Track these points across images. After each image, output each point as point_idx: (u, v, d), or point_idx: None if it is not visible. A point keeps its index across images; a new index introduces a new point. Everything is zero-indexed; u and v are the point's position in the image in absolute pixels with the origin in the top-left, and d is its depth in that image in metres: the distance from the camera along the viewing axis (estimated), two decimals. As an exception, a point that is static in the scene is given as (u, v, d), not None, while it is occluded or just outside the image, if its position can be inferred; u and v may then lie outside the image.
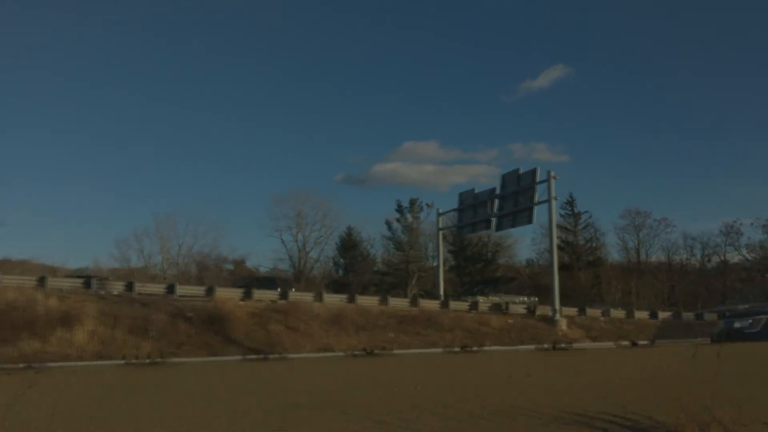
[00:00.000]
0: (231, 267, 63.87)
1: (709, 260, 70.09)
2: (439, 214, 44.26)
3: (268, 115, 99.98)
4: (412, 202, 50.46)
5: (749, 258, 67.81)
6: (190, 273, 62.89)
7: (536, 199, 34.16)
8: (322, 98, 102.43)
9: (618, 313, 35.61)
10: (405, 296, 48.53)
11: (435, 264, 61.00)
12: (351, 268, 52.61)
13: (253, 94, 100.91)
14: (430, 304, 31.58)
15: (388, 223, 51.48)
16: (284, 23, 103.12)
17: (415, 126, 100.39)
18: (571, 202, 59.24)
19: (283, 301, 27.63)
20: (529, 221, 35.23)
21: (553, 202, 32.90)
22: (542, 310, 32.83)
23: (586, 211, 59.32)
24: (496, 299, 38.51)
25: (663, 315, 36.39)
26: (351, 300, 29.62)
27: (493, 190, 38.85)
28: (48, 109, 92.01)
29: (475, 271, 58.98)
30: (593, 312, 34.97)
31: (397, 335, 27.26)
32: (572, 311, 34.54)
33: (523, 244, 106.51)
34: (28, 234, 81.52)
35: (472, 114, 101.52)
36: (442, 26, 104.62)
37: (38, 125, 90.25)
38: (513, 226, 37.82)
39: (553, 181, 33.03)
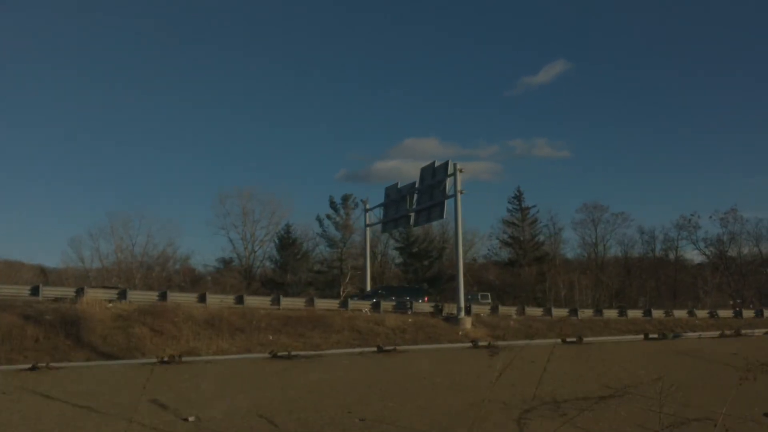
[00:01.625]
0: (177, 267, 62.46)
1: (666, 255, 69.00)
2: (366, 210, 42.87)
3: (267, 112, 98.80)
4: (345, 198, 49.04)
5: (707, 252, 66.74)
6: (134, 274, 61.48)
7: (447, 193, 32.89)
8: (323, 96, 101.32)
9: (535, 311, 34.35)
10: (338, 296, 47.30)
11: (376, 261, 59.78)
12: (288, 266, 51.21)
13: (252, 92, 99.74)
14: (327, 304, 30.22)
15: (319, 220, 50.08)
16: (285, 21, 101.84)
17: (415, 122, 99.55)
18: (518, 197, 58.09)
19: (162, 302, 26.24)
20: (441, 216, 33.96)
21: (459, 196, 31.56)
22: (450, 308, 31.53)
23: (534, 206, 58.20)
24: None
25: (584, 313, 35.14)
26: (239, 301, 28.24)
27: (414, 184, 37.55)
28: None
29: (422, 268, 57.70)
30: (507, 310, 33.70)
31: (278, 337, 25.90)
32: (485, 309, 33.30)
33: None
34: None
35: (472, 110, 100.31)
36: (441, 22, 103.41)
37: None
38: (428, 221, 36.58)
39: (458, 174, 31.75)
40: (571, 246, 72.89)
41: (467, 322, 30.01)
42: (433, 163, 35.44)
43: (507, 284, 50.75)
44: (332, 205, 49.67)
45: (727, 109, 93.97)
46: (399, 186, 39.45)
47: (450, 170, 32.69)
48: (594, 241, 66.04)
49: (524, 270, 52.85)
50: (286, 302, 29.00)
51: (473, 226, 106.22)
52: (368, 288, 40.92)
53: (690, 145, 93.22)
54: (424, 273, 57.51)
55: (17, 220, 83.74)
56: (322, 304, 29.83)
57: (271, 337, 25.75)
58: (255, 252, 59.22)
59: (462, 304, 30.64)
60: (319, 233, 50.77)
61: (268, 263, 52.86)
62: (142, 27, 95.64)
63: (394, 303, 31.41)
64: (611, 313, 35.95)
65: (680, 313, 37.55)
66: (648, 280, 59.67)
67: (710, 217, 64.29)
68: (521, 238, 56.69)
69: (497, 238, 59.29)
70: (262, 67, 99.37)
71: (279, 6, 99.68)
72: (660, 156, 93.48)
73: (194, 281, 61.03)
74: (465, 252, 64.25)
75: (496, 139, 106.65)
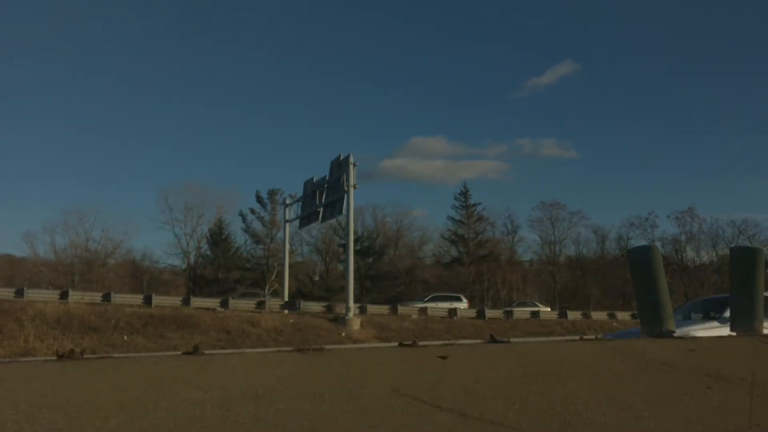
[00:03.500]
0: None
1: (622, 255, 67.44)
2: (285, 205, 41.40)
3: (273, 110, 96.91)
4: (272, 193, 47.49)
5: (663, 253, 65.25)
6: (74, 270, 60.06)
7: (344, 188, 31.45)
8: (329, 94, 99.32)
9: (439, 311, 32.89)
10: (263, 294, 45.83)
11: (321, 257, 58.35)
12: (219, 263, 49.73)
13: (259, 89, 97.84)
14: (205, 303, 28.82)
15: (243, 216, 48.55)
16: (290, 20, 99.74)
17: (422, 121, 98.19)
18: (464, 194, 56.58)
19: (17, 300, 24.83)
20: (340, 211, 32.45)
21: (352, 191, 30.17)
22: (340, 308, 30.11)
23: (480, 203, 56.60)
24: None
25: (492, 313, 33.67)
26: (106, 298, 26.80)
27: (325, 178, 36.06)
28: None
29: (365, 266, 56.20)
30: (409, 310, 32.26)
31: (134, 338, 24.49)
32: (383, 309, 31.89)
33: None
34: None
35: (479, 109, 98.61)
36: (448, 22, 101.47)
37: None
38: (332, 216, 35.02)
39: (352, 168, 30.43)
40: (528, 245, 71.47)
41: (355, 323, 28.59)
42: (339, 156, 33.96)
43: (443, 283, 49.23)
44: (258, 199, 48.15)
45: (727, 109, 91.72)
46: (314, 180, 37.96)
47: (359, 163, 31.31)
48: (552, 239, 64.69)
49: (464, 269, 51.32)
50: (160, 300, 27.56)
51: (441, 225, 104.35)
52: (286, 288, 39.55)
53: (704, 146, 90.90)
54: (367, 270, 56.05)
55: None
56: (201, 303, 28.36)
57: (126, 338, 24.35)
58: (201, 248, 57.81)
59: (351, 303, 29.22)
60: (243, 228, 49.26)
61: (201, 260, 51.30)
62: (147, 25, 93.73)
63: (282, 303, 29.93)
64: (524, 314, 34.48)
65: (601, 315, 36.10)
66: (598, 280, 58.12)
67: (668, 216, 62.94)
68: (465, 236, 55.17)
69: (442, 236, 57.91)
70: (264, 67, 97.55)
71: (279, 6, 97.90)
72: (660, 157, 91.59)
73: (135, 278, 59.76)
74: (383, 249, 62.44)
75: (503, 138, 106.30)
